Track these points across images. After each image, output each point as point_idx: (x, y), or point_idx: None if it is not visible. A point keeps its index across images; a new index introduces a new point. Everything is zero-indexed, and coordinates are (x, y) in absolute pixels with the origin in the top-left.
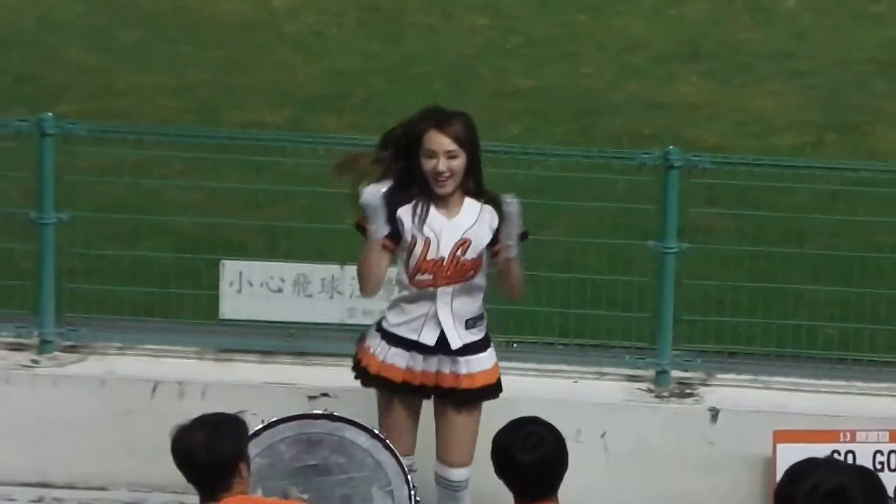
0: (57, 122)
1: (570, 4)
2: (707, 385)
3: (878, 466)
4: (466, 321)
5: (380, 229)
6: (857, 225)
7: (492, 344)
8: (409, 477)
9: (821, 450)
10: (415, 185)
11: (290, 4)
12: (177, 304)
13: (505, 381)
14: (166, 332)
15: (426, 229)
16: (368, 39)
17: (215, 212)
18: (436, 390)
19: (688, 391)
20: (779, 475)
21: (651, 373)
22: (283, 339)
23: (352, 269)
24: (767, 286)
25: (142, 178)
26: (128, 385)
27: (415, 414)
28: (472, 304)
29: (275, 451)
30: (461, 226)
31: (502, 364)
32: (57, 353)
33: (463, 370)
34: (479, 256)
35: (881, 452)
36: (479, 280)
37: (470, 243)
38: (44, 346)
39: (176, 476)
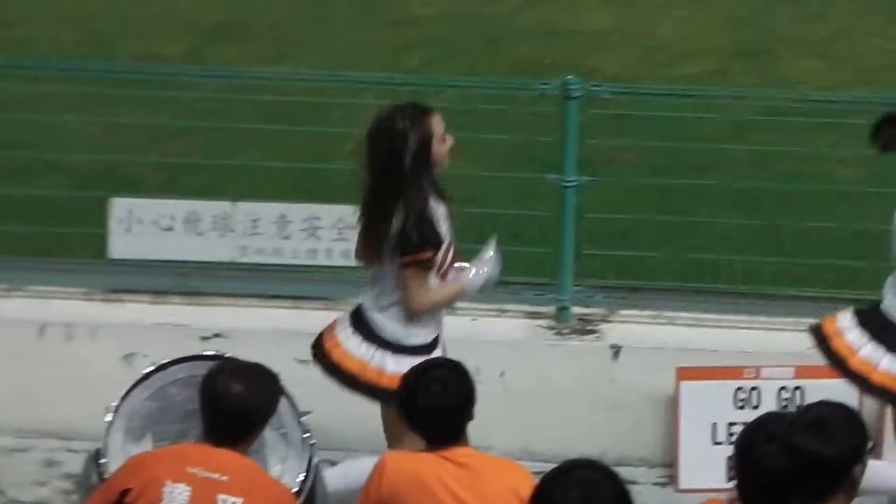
0: None
1: None
2: (609, 321)
3: (783, 403)
4: None
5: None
6: (763, 155)
7: None
8: (302, 419)
9: (725, 386)
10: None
11: None
12: (68, 243)
13: None
14: (54, 273)
15: (447, 224)
16: None
17: (112, 148)
18: None
19: (589, 328)
20: (682, 412)
21: (552, 309)
22: (174, 279)
23: (244, 206)
24: (671, 219)
25: (37, 114)
26: (13, 328)
27: None
28: None
29: (166, 394)
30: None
31: None
32: None
33: None
34: None
35: (786, 389)
36: None
37: None
38: None
39: (66, 422)
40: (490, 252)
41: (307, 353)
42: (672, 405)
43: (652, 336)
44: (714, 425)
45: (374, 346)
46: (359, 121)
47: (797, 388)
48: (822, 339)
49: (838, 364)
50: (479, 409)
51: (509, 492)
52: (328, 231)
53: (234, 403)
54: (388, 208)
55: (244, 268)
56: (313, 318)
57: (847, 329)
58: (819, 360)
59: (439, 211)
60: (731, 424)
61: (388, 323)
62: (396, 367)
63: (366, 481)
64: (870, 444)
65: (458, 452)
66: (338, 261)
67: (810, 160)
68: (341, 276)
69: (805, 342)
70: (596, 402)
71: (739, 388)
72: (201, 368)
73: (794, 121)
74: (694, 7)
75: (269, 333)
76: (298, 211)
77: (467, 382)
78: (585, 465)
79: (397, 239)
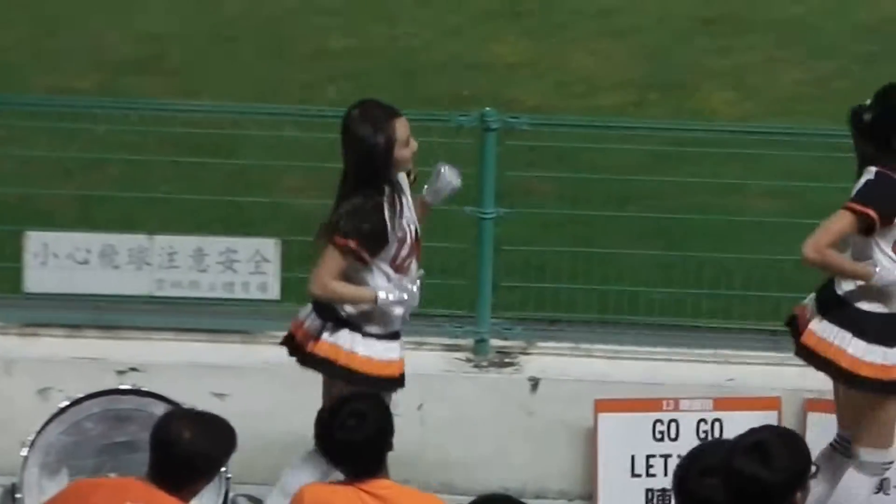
0: None
1: None
2: (527, 354)
3: (702, 435)
4: None
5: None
6: (680, 186)
7: None
8: None
9: (643, 419)
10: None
11: None
12: None
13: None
14: None
15: (407, 218)
16: (182, 1)
17: (27, 181)
18: None
19: (507, 360)
20: (600, 445)
21: (470, 342)
22: (90, 313)
23: (160, 239)
24: (589, 251)
25: None
26: None
27: None
28: None
29: (81, 428)
30: (409, 194)
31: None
32: None
33: None
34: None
35: (705, 421)
36: None
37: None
38: None
39: None
40: (413, 284)
41: (223, 387)
42: (590, 438)
43: (570, 368)
44: (633, 458)
45: (347, 330)
46: (276, 153)
47: (716, 420)
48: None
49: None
50: (397, 442)
51: None
52: (245, 264)
53: (181, 449)
54: (345, 195)
55: (161, 301)
56: (230, 352)
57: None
58: (737, 391)
59: (397, 210)
60: (650, 457)
61: (353, 311)
62: (367, 351)
63: None
64: (813, 469)
65: (376, 485)
66: (255, 294)
67: (726, 192)
68: (258, 310)
69: (723, 373)
70: (514, 434)
71: (658, 421)
72: (117, 402)
73: (709, 152)
74: (609, 40)
75: (185, 367)
76: (215, 244)
77: (384, 414)
78: (499, 500)
79: (326, 221)
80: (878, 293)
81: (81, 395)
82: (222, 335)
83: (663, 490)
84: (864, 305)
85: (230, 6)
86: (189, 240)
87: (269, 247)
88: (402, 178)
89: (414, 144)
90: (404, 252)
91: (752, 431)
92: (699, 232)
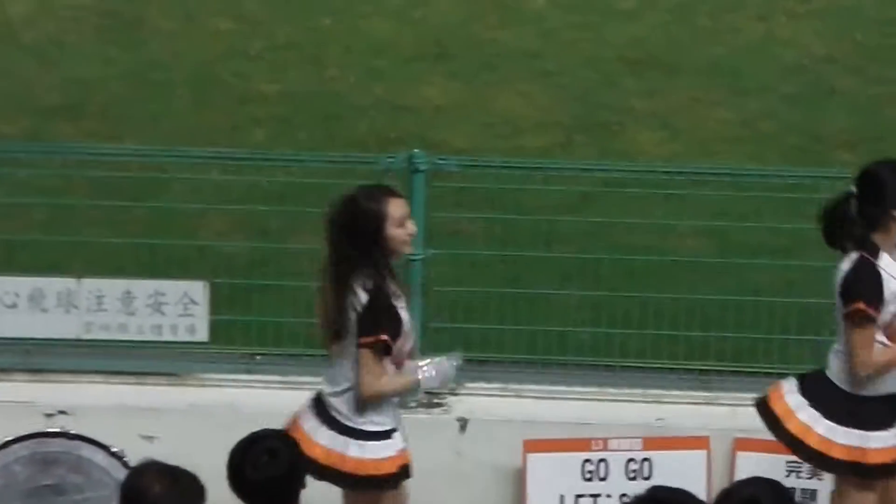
0: None
1: (315, 7)
2: (456, 394)
3: (632, 475)
4: None
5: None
6: (608, 226)
7: None
8: None
9: (572, 458)
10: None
11: (26, 12)
12: None
13: (248, 395)
14: None
15: (403, 312)
16: (108, 46)
17: None
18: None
19: (436, 401)
20: (529, 485)
21: None
22: (18, 356)
23: (88, 283)
24: (517, 291)
25: None
26: None
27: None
28: None
29: (9, 471)
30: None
31: (244, 378)
32: None
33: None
34: None
35: (634, 460)
36: None
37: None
38: None
39: None
40: (451, 361)
41: (151, 429)
42: (519, 478)
43: (499, 409)
44: (562, 497)
45: (335, 432)
46: (202, 196)
47: (645, 459)
48: (764, 406)
49: (775, 425)
50: (325, 483)
51: None
52: (173, 307)
53: (149, 503)
54: (342, 282)
55: (89, 344)
56: (158, 395)
57: (788, 393)
58: (666, 431)
59: (398, 300)
60: (579, 497)
61: (343, 408)
62: (359, 452)
63: None
64: None
65: None
66: (183, 336)
67: (654, 231)
68: (187, 352)
69: (652, 413)
70: (443, 475)
71: (587, 460)
72: (44, 445)
73: (637, 192)
74: (535, 82)
75: (113, 410)
76: (143, 287)
77: (296, 451)
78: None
79: (357, 320)
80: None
81: (9, 438)
82: (151, 377)
83: None
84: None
85: (153, 50)
86: (117, 283)
87: (198, 289)
88: None
89: (411, 227)
90: (407, 348)
91: (741, 485)
92: (627, 272)
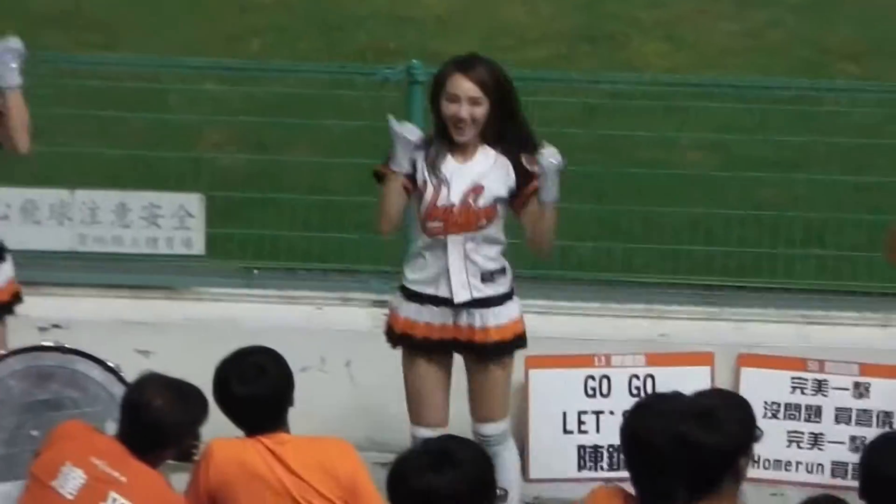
0: None
1: None
2: None
3: (635, 391)
4: (483, 274)
5: (402, 163)
6: (611, 140)
7: (515, 297)
8: None
9: (575, 375)
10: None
11: None
12: None
13: (246, 309)
14: None
15: (438, 174)
16: None
17: None
18: (454, 345)
19: None
20: (531, 401)
21: None
22: None
23: (82, 194)
24: None
25: None
26: None
27: (442, 377)
28: (488, 257)
29: (3, 386)
30: (474, 172)
31: (242, 292)
32: None
33: (477, 323)
34: (493, 206)
35: (637, 377)
36: (494, 232)
37: (483, 190)
38: None
39: None
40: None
41: (147, 344)
42: (521, 394)
43: None
44: (564, 414)
45: None
46: (198, 108)
47: (648, 375)
48: None
49: None
50: (324, 398)
51: (315, 464)
52: (169, 220)
53: (152, 415)
54: None
55: (83, 257)
56: (154, 308)
57: None
58: (669, 347)
59: (442, 160)
60: (582, 413)
61: None
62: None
63: (192, 470)
64: (758, 433)
65: (277, 438)
66: (179, 249)
67: (658, 145)
68: (183, 266)
69: (655, 329)
70: None
71: (590, 377)
72: (39, 359)
73: (641, 105)
74: None
75: (109, 324)
76: (138, 199)
77: (284, 368)
78: (443, 439)
79: None
80: None
81: (3, 352)
82: (146, 291)
83: (595, 447)
84: None
85: None
86: (111, 194)
87: (194, 202)
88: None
89: (464, 111)
90: (426, 208)
91: (699, 396)
92: (632, 186)
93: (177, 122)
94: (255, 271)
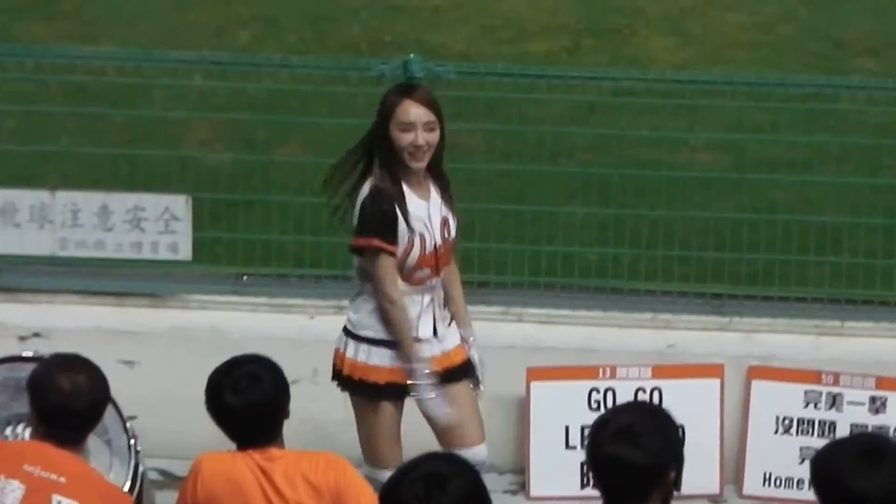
0: None
1: None
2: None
3: None
4: (443, 299)
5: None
6: (617, 139)
7: None
8: (127, 425)
9: (578, 387)
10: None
11: None
12: None
13: (235, 317)
14: None
15: (416, 223)
16: None
17: None
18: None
19: None
20: (533, 415)
21: None
22: None
23: (63, 195)
24: (520, 208)
25: None
26: None
27: (399, 420)
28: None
29: None
30: (436, 204)
31: (231, 300)
32: None
33: (450, 346)
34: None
35: (643, 389)
36: None
37: (449, 220)
38: None
39: None
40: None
41: (131, 353)
42: (522, 408)
43: (501, 334)
44: (567, 429)
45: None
46: (184, 104)
47: (655, 388)
48: None
49: None
50: (318, 412)
51: (300, 479)
52: (154, 223)
53: (62, 398)
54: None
55: (64, 262)
56: (138, 316)
57: None
58: (677, 358)
59: (412, 206)
60: (585, 428)
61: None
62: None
63: (182, 483)
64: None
65: (270, 454)
66: (165, 255)
67: (665, 145)
68: (169, 272)
69: (663, 339)
70: None
71: (594, 390)
72: (18, 370)
73: (648, 102)
74: None
75: (90, 332)
76: (121, 201)
77: (280, 378)
78: (438, 458)
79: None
80: None
81: None
82: (130, 298)
83: None
84: None
85: None
86: (93, 196)
87: (180, 204)
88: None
89: (421, 138)
90: (415, 261)
91: (615, 412)
92: (637, 188)
93: (161, 118)
94: (245, 277)
